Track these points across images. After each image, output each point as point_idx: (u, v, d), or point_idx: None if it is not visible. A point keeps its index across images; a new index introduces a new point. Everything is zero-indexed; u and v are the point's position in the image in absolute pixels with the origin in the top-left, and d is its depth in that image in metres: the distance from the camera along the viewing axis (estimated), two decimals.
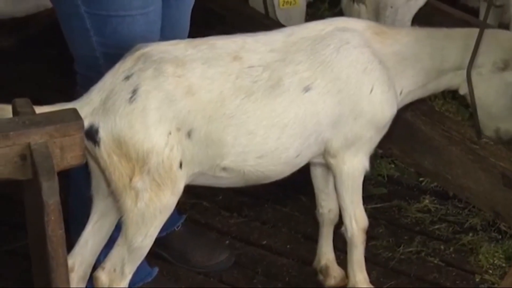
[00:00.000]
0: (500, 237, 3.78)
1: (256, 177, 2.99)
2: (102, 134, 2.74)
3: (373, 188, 4.11)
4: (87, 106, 2.75)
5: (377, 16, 4.23)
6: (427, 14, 4.46)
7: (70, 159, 2.37)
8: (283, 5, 4.31)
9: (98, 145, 2.75)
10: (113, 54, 2.99)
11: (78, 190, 3.14)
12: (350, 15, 4.27)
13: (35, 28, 5.04)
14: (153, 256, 3.33)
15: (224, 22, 4.99)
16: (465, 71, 3.38)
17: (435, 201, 4.03)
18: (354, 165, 3.14)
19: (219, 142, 2.85)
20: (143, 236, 2.84)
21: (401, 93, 3.24)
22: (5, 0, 4.33)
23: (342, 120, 3.04)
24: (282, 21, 4.45)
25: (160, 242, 3.28)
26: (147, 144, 2.74)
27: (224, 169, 2.92)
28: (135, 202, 2.78)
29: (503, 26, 4.48)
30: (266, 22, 4.51)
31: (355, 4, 4.20)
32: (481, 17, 4.48)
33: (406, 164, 4.23)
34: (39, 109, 2.49)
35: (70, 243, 2.84)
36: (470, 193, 3.92)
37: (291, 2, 4.30)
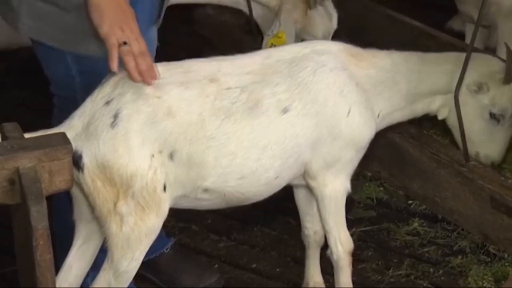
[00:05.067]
0: (489, 259, 3.78)
1: (237, 198, 3.00)
2: (86, 160, 2.74)
3: (362, 211, 4.11)
4: (69, 132, 2.73)
5: None
6: (414, 37, 4.49)
7: (59, 183, 2.37)
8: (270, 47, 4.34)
9: (82, 171, 2.75)
10: (89, 71, 2.99)
11: (61, 214, 3.13)
12: None
13: (26, 54, 5.05)
14: (141, 280, 3.33)
15: (213, 47, 5.01)
16: (443, 96, 3.43)
17: (424, 224, 4.03)
18: (335, 187, 3.15)
19: (200, 163, 2.85)
20: (129, 260, 2.83)
21: (378, 115, 3.26)
22: None
23: (320, 142, 3.05)
24: None
25: (148, 266, 3.28)
26: (130, 167, 2.74)
27: (206, 190, 2.92)
28: (120, 226, 2.78)
29: (490, 49, 4.51)
30: (255, 47, 4.53)
31: None
32: (467, 40, 4.52)
33: (395, 187, 4.24)
34: (27, 136, 2.49)
35: (56, 267, 2.83)
36: (459, 215, 3.93)
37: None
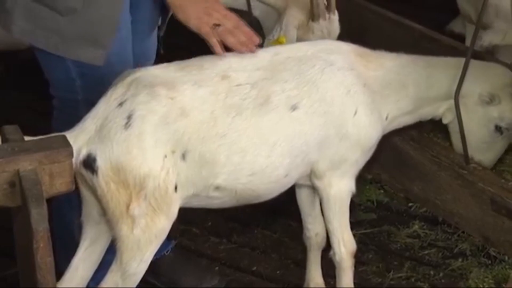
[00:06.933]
0: (489, 262, 3.78)
1: (248, 195, 3.00)
2: (100, 163, 2.73)
3: (363, 214, 4.11)
4: (82, 135, 2.74)
5: None
6: (415, 39, 4.49)
7: (59, 185, 2.38)
8: None
9: (96, 174, 2.74)
10: (89, 73, 2.98)
11: (61, 217, 3.13)
12: None
13: (26, 54, 5.05)
14: (141, 282, 3.32)
15: None
16: (450, 101, 3.41)
17: (425, 227, 4.03)
18: (341, 188, 3.15)
19: (212, 161, 2.85)
20: (138, 261, 2.83)
21: (387, 118, 3.25)
22: None
23: (327, 142, 3.05)
24: None
25: (149, 268, 3.27)
26: (144, 168, 2.74)
27: (217, 188, 2.92)
28: (131, 228, 2.78)
29: (489, 52, 4.51)
30: None
31: None
32: (468, 42, 4.52)
33: (395, 189, 4.23)
34: (28, 139, 2.48)
35: (55, 269, 2.83)
36: (459, 218, 3.93)
37: None
